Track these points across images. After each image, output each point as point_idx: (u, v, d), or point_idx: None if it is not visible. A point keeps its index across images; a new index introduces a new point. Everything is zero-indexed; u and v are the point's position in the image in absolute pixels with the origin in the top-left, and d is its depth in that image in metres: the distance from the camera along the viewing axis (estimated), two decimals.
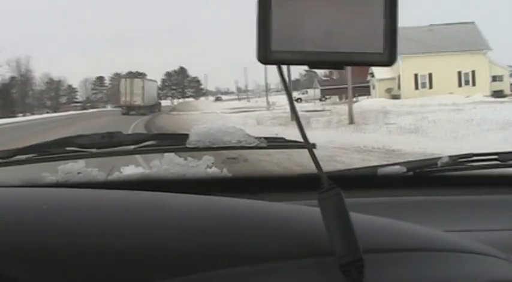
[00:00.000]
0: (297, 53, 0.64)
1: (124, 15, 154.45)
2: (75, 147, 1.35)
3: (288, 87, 0.71)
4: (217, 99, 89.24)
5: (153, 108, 42.76)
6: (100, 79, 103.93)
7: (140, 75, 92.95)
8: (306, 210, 0.79)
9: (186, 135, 1.33)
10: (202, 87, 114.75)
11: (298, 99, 58.38)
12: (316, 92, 65.86)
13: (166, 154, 1.36)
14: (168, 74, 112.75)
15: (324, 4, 0.64)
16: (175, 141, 1.37)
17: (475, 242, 0.87)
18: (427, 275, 0.72)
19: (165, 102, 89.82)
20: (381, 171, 1.43)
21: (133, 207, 0.77)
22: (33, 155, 1.33)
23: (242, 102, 65.13)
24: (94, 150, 1.36)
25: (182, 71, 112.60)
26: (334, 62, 0.65)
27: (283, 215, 0.80)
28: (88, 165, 1.33)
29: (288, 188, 1.27)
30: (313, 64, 0.66)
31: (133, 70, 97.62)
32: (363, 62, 0.65)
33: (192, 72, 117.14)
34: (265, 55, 0.64)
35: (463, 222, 1.20)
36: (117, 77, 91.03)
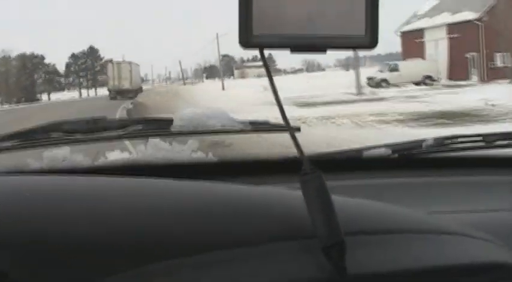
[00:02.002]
0: (279, 36, 0.65)
1: None
2: (60, 132, 1.35)
3: (269, 71, 0.72)
4: None
5: (137, 92, 42.71)
6: None
7: (36, 58, 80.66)
8: (288, 194, 0.80)
9: (171, 120, 1.33)
10: None
11: (383, 81, 34.48)
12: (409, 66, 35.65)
13: (151, 139, 1.36)
14: (74, 57, 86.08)
15: None
16: (160, 126, 1.37)
17: (457, 224, 0.88)
18: (410, 256, 0.73)
19: (70, 95, 71.33)
20: (366, 153, 1.43)
21: (117, 192, 0.77)
22: (17, 141, 1.32)
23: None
24: (79, 135, 1.35)
25: (92, 51, 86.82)
26: (316, 45, 0.65)
27: (265, 198, 0.80)
28: (73, 151, 1.33)
29: (272, 171, 1.27)
30: (295, 48, 0.66)
31: (29, 52, 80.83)
32: (345, 45, 0.66)
33: (105, 53, 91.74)
34: (247, 39, 0.64)
35: (448, 204, 1.22)
36: (3, 61, 71.00)
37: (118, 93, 41.31)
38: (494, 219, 1.14)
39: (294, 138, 0.70)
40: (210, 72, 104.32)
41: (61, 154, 1.30)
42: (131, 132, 1.35)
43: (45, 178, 0.96)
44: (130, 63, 46.85)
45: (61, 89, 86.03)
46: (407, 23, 42.58)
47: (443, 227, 0.84)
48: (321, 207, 0.66)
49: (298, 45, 0.65)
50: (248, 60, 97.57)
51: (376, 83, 34.23)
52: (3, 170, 1.20)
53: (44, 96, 74.07)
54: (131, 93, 40.38)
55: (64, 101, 51.31)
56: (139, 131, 1.36)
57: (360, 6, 0.64)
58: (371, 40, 0.65)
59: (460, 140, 1.51)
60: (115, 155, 1.41)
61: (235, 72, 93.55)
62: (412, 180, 1.38)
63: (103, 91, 61.83)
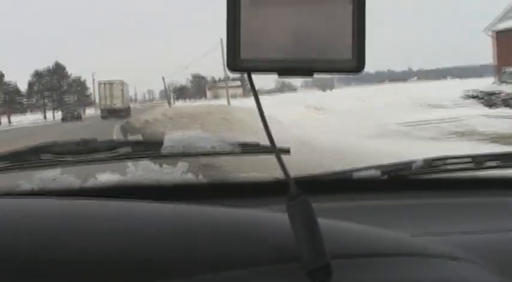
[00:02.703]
0: (266, 61, 0.65)
1: None
2: (50, 154, 1.36)
3: (257, 94, 0.72)
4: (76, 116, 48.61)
5: (127, 111, 42.88)
6: None
7: None
8: (275, 217, 0.80)
9: (161, 142, 1.34)
10: (89, 92, 79.03)
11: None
12: None
13: (141, 161, 1.37)
14: (38, 75, 77.96)
15: (292, 12, 0.65)
16: (150, 148, 1.38)
17: (444, 246, 0.88)
18: (396, 280, 0.73)
19: (33, 118, 61.26)
20: (355, 175, 1.44)
21: (106, 216, 0.78)
22: (7, 163, 1.33)
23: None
24: (69, 157, 1.36)
25: (58, 69, 78.35)
26: (303, 69, 0.66)
27: (252, 221, 0.80)
28: (63, 172, 1.34)
29: (263, 193, 1.28)
30: (282, 72, 0.67)
31: None
32: (332, 69, 0.66)
33: (72, 70, 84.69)
34: (235, 63, 0.65)
35: (438, 226, 1.22)
36: None
37: (110, 113, 41.55)
38: (483, 241, 1.14)
39: (280, 160, 0.70)
40: (179, 93, 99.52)
41: (51, 176, 1.30)
42: (121, 154, 1.36)
43: (35, 201, 0.96)
44: (122, 82, 46.96)
45: (23, 110, 77.04)
46: (503, 18, 31.88)
47: (429, 249, 0.84)
48: (307, 231, 0.66)
49: (285, 69, 0.66)
50: (220, 81, 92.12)
51: (503, 101, 22.36)
52: None
53: (4, 119, 64.45)
54: (123, 112, 40.88)
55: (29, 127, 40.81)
56: (130, 153, 1.37)
57: (347, 30, 0.65)
58: (358, 64, 0.65)
59: (449, 161, 1.51)
60: (105, 176, 1.41)
61: (208, 93, 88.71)
62: (401, 202, 1.38)
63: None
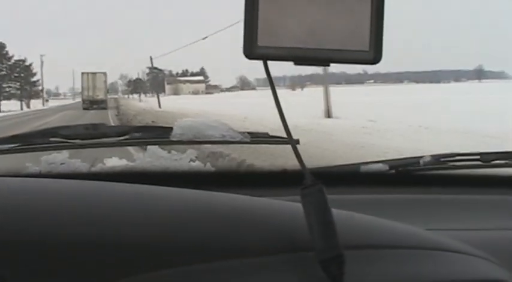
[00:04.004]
0: (283, 49, 0.65)
1: None
2: (59, 137, 1.36)
3: (273, 83, 0.72)
4: None
5: (106, 102, 43.36)
6: None
7: None
8: (288, 206, 0.79)
9: (170, 129, 1.34)
10: (36, 79, 59.51)
11: None
12: None
13: (149, 147, 1.37)
14: None
15: (310, 1, 0.64)
16: (159, 134, 1.38)
17: (455, 241, 0.88)
18: (407, 272, 0.73)
19: None
20: (363, 168, 1.44)
21: (114, 198, 0.77)
22: (16, 144, 1.33)
23: None
24: (78, 141, 1.36)
25: None
26: (320, 59, 0.66)
27: (264, 210, 0.80)
28: (71, 156, 1.34)
29: (272, 183, 1.28)
30: (298, 60, 0.66)
31: None
32: (349, 60, 0.66)
33: (16, 52, 69.03)
34: (251, 50, 0.65)
35: (444, 221, 1.22)
36: None
37: (92, 104, 41.95)
38: (490, 237, 1.14)
39: (295, 150, 0.70)
40: (134, 86, 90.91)
41: (59, 159, 1.31)
42: (130, 139, 1.36)
43: (42, 181, 0.96)
44: (105, 73, 47.03)
45: None
46: None
47: (441, 243, 0.84)
48: (321, 221, 0.66)
49: (301, 58, 0.66)
50: (178, 74, 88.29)
51: None
52: (1, 173, 1.20)
53: None
54: (103, 103, 41.46)
55: None
56: (139, 139, 1.37)
57: (365, 21, 0.65)
58: (375, 55, 0.65)
59: (457, 158, 1.51)
60: (113, 161, 1.41)
61: (167, 87, 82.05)
62: (408, 197, 1.38)
63: (11, 106, 47.36)
